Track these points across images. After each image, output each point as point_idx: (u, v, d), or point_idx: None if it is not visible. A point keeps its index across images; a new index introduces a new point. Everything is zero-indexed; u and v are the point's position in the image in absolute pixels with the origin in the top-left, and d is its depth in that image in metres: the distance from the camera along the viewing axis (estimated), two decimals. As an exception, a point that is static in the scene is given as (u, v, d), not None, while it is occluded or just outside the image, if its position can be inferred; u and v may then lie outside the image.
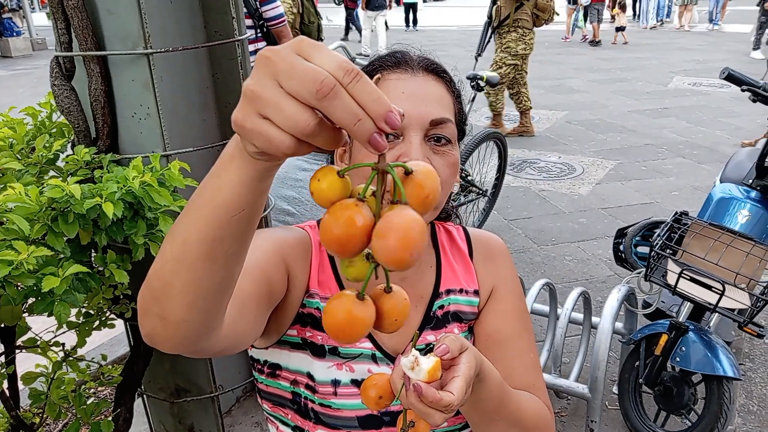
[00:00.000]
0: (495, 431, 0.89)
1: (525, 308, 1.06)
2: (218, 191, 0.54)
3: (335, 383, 0.93)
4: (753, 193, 2.53)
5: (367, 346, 0.95)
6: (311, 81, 0.43)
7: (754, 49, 11.34)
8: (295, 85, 0.44)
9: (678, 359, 2.26)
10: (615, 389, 2.70)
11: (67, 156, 1.41)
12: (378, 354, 0.95)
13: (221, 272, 0.60)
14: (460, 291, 1.02)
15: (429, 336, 0.99)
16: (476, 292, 1.03)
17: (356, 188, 0.51)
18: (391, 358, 0.96)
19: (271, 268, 0.87)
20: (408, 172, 0.49)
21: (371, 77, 0.96)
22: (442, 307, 1.00)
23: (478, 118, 7.76)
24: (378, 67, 0.94)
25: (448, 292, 1.01)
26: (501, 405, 0.85)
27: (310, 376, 0.94)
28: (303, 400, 0.94)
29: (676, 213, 2.35)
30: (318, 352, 0.94)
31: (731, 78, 2.49)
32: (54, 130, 1.54)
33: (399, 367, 0.70)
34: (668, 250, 2.23)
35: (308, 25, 5.00)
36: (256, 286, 0.82)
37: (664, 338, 2.30)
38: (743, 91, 2.50)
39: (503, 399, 0.85)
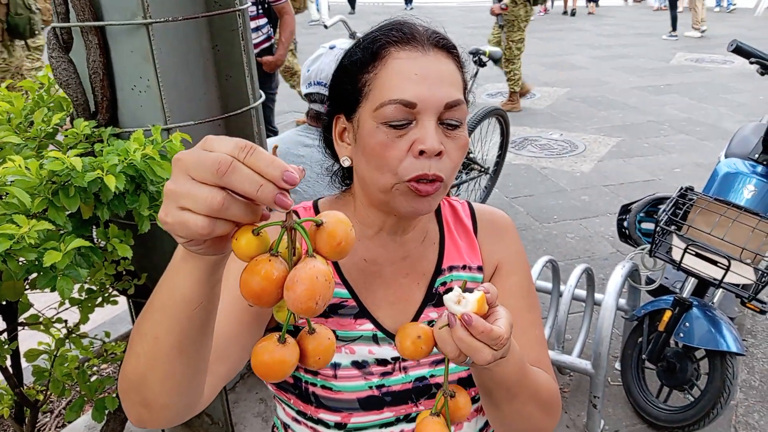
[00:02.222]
0: (513, 408, 0.87)
1: (531, 284, 1.04)
2: (176, 289, 0.60)
3: (335, 366, 0.92)
4: (759, 168, 2.51)
5: (367, 327, 0.94)
6: (211, 164, 0.49)
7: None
8: (200, 171, 0.49)
9: (682, 335, 2.26)
10: (618, 365, 2.71)
11: (67, 130, 1.39)
12: (379, 334, 0.94)
13: (192, 359, 0.66)
14: (463, 267, 1.00)
15: (431, 313, 0.97)
16: (480, 269, 1.01)
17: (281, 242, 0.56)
18: (392, 337, 0.95)
19: None
20: (318, 224, 0.56)
21: (377, 54, 0.90)
22: (444, 284, 0.98)
23: (480, 95, 7.69)
24: (384, 43, 0.87)
25: (451, 269, 0.99)
26: (521, 379, 0.83)
27: None
28: (304, 384, 0.93)
29: (682, 188, 2.33)
30: None
31: (739, 50, 2.45)
32: (52, 103, 1.51)
33: (439, 321, 0.70)
34: (673, 226, 2.21)
35: (15, 17, 4.55)
36: (237, 324, 0.83)
37: (667, 314, 2.30)
38: (752, 63, 2.47)
39: (523, 373, 0.83)
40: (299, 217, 0.55)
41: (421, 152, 0.81)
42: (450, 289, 0.74)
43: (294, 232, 0.55)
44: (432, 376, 0.95)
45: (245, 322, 0.84)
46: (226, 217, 0.51)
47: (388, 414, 0.94)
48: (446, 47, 0.88)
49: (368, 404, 0.92)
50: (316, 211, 1.00)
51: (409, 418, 0.95)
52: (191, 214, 0.50)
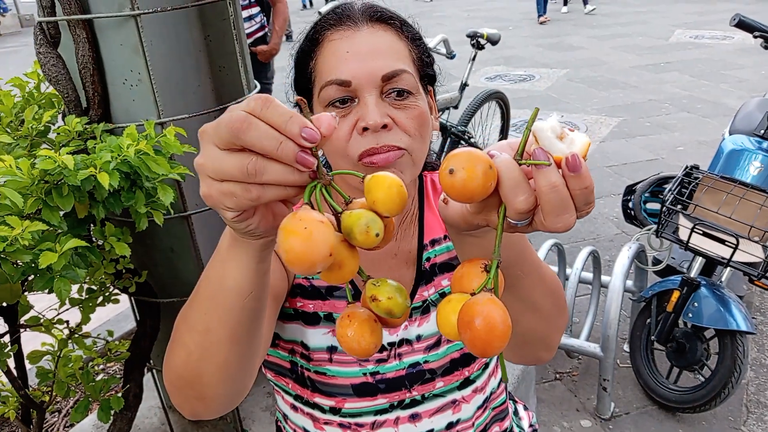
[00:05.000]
0: (518, 297, 0.72)
1: None
2: (225, 279, 0.59)
3: (331, 350, 0.91)
4: (765, 144, 2.47)
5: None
6: (227, 124, 0.46)
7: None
8: (220, 135, 0.47)
9: (691, 315, 2.24)
10: (626, 347, 2.69)
11: (59, 127, 1.36)
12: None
13: (246, 347, 0.66)
14: (445, 238, 0.99)
15: (425, 292, 0.96)
16: None
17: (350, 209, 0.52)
18: None
19: (273, 279, 0.86)
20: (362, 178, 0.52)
21: (316, 40, 0.87)
22: (428, 259, 0.97)
23: (479, 79, 7.63)
24: (321, 28, 0.87)
25: (433, 242, 0.98)
26: (523, 251, 0.69)
27: (303, 344, 0.92)
28: (300, 368, 0.93)
29: (687, 167, 2.29)
30: (310, 320, 0.92)
31: (742, 24, 2.40)
32: (43, 101, 1.48)
33: (504, 155, 0.49)
34: (680, 205, 2.18)
35: None
36: (269, 303, 0.83)
37: (676, 294, 2.28)
38: (755, 37, 2.42)
39: (525, 243, 0.70)
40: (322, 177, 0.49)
41: (365, 129, 0.80)
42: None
43: (329, 187, 0.49)
44: (426, 361, 0.94)
45: (269, 301, 0.83)
46: (266, 181, 0.47)
47: (382, 401, 0.94)
48: (382, 18, 0.87)
49: (362, 391, 0.92)
50: None
51: (403, 405, 0.95)
52: (233, 184, 0.47)
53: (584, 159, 0.47)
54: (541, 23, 11.32)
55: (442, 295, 0.96)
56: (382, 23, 0.86)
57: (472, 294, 0.49)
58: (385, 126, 0.81)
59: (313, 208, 0.48)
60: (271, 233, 0.54)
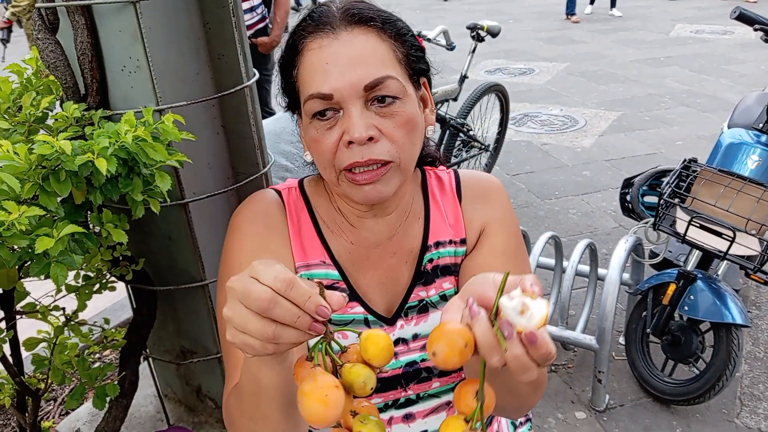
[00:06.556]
0: (503, 389, 0.78)
1: (519, 245, 0.98)
2: (260, 381, 0.69)
3: None
4: (763, 138, 2.47)
5: (358, 311, 0.93)
6: (257, 300, 0.57)
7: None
8: (249, 303, 0.57)
9: (686, 308, 2.25)
10: (622, 340, 2.70)
11: (56, 114, 1.35)
12: (370, 317, 0.93)
13: (293, 416, 0.74)
14: (450, 242, 0.97)
15: (421, 292, 0.95)
16: (463, 241, 0.97)
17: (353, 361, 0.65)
18: (384, 320, 0.93)
19: None
20: (358, 334, 0.66)
21: (296, 49, 0.86)
22: (431, 260, 0.96)
23: (479, 72, 7.61)
24: (300, 35, 0.84)
25: (437, 244, 0.96)
26: None
27: None
28: None
29: (685, 160, 2.29)
30: None
31: (743, 17, 2.40)
32: (41, 87, 1.47)
33: (481, 317, 0.57)
34: (677, 198, 2.19)
35: None
36: None
37: (672, 287, 2.28)
38: (756, 30, 2.41)
39: None
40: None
41: (350, 142, 0.79)
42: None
43: (330, 346, 0.63)
44: (423, 360, 0.94)
45: None
46: (282, 342, 0.58)
47: (377, 399, 0.94)
48: (361, 20, 0.82)
49: None
50: (302, 189, 0.99)
51: (397, 404, 0.95)
52: (254, 339, 0.58)
53: (545, 324, 0.56)
54: (574, 22, 10.86)
55: (443, 297, 0.95)
56: (362, 25, 0.82)
57: (466, 420, 0.60)
58: (371, 138, 0.79)
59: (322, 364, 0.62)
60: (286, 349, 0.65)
